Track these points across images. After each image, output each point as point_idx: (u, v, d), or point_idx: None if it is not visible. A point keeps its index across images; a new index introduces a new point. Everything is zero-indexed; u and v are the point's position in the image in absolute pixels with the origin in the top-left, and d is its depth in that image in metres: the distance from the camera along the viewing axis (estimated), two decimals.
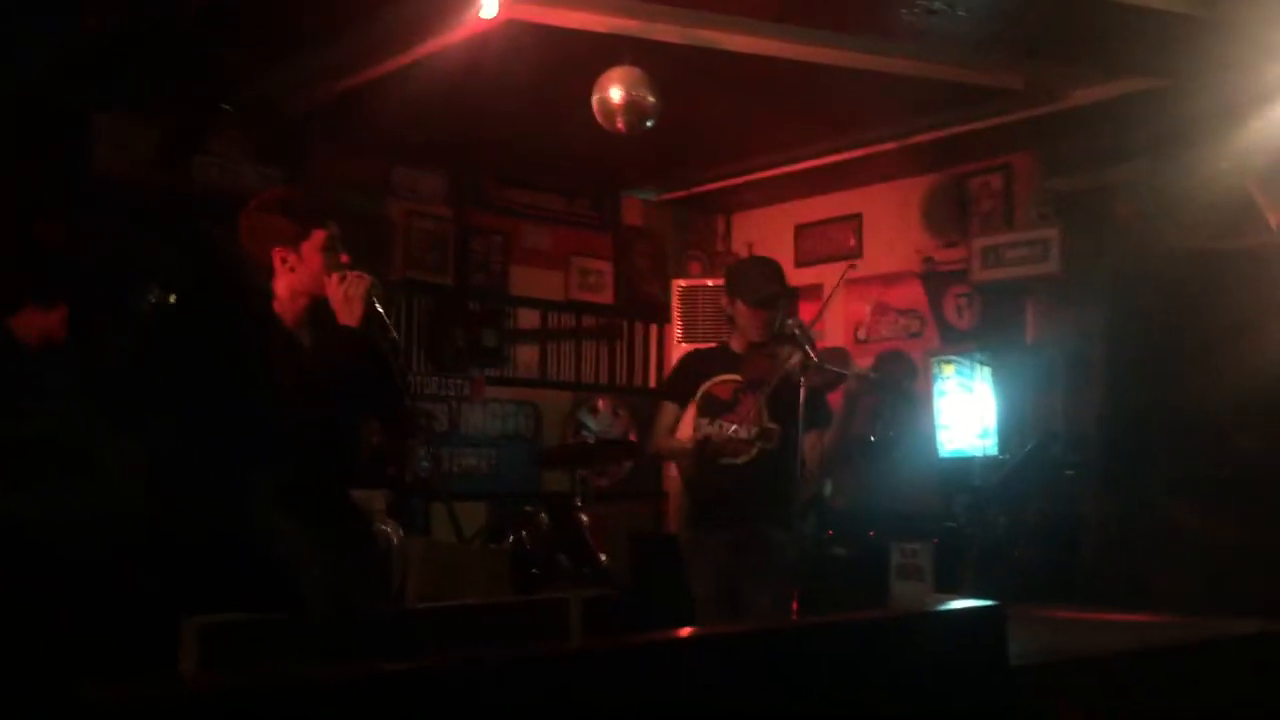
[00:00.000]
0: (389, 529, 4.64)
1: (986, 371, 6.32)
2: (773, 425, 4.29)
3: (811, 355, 4.12)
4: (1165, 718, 2.62)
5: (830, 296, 6.02)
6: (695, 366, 4.61)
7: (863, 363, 5.99)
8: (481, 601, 2.59)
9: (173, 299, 2.34)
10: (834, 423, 4.38)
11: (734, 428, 4.31)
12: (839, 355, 4.66)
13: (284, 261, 3.10)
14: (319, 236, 3.12)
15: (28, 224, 4.81)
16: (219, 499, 2.34)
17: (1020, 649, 2.37)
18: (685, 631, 2.02)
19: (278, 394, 2.80)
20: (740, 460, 4.32)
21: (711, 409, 4.41)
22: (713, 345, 4.72)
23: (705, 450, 4.33)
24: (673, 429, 4.49)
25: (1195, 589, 4.68)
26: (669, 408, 4.54)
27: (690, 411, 4.41)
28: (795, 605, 4.21)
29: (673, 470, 7.16)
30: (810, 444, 4.23)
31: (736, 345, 4.50)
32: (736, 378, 4.40)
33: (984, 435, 6.25)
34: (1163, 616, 3.34)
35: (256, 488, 2.41)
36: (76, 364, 2.56)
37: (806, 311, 6.49)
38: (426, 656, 1.48)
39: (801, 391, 4.07)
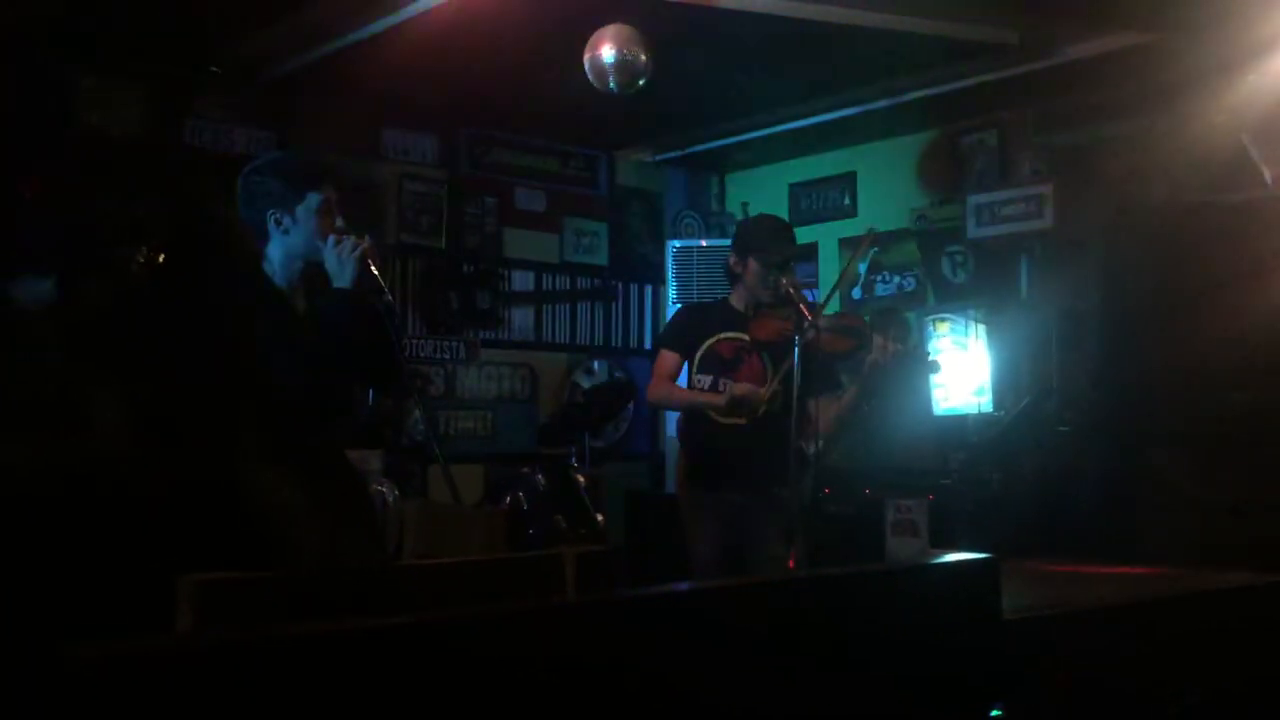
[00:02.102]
0: (384, 489, 4.65)
1: (981, 329, 6.32)
2: (778, 387, 4.23)
3: (823, 320, 4.06)
4: (1158, 670, 2.64)
5: (849, 267, 5.90)
6: (695, 320, 4.54)
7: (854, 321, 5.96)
8: (475, 558, 2.60)
9: (162, 257, 2.34)
10: (849, 392, 4.31)
11: (750, 388, 4.23)
12: (857, 323, 4.55)
13: (278, 224, 3.09)
14: (313, 199, 3.12)
15: (13, 183, 4.78)
16: (210, 456, 2.35)
17: (1014, 602, 2.39)
18: (680, 587, 2.03)
19: (269, 353, 2.80)
20: (743, 420, 4.27)
21: (713, 367, 4.37)
22: (708, 301, 4.64)
23: (736, 409, 4.25)
24: (671, 376, 4.43)
25: (1188, 543, 4.70)
26: (669, 356, 4.46)
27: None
28: (791, 563, 4.21)
29: (670, 430, 7.19)
30: (822, 409, 4.14)
31: (738, 303, 4.45)
32: (741, 336, 4.35)
33: (979, 392, 6.26)
34: (1155, 569, 3.36)
35: (249, 445, 2.41)
36: (68, 323, 2.55)
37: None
38: (419, 612, 1.48)
39: (805, 355, 4.00)
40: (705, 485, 4.42)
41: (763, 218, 4.85)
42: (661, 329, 4.78)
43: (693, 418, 4.48)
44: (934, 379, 6.38)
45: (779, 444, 4.13)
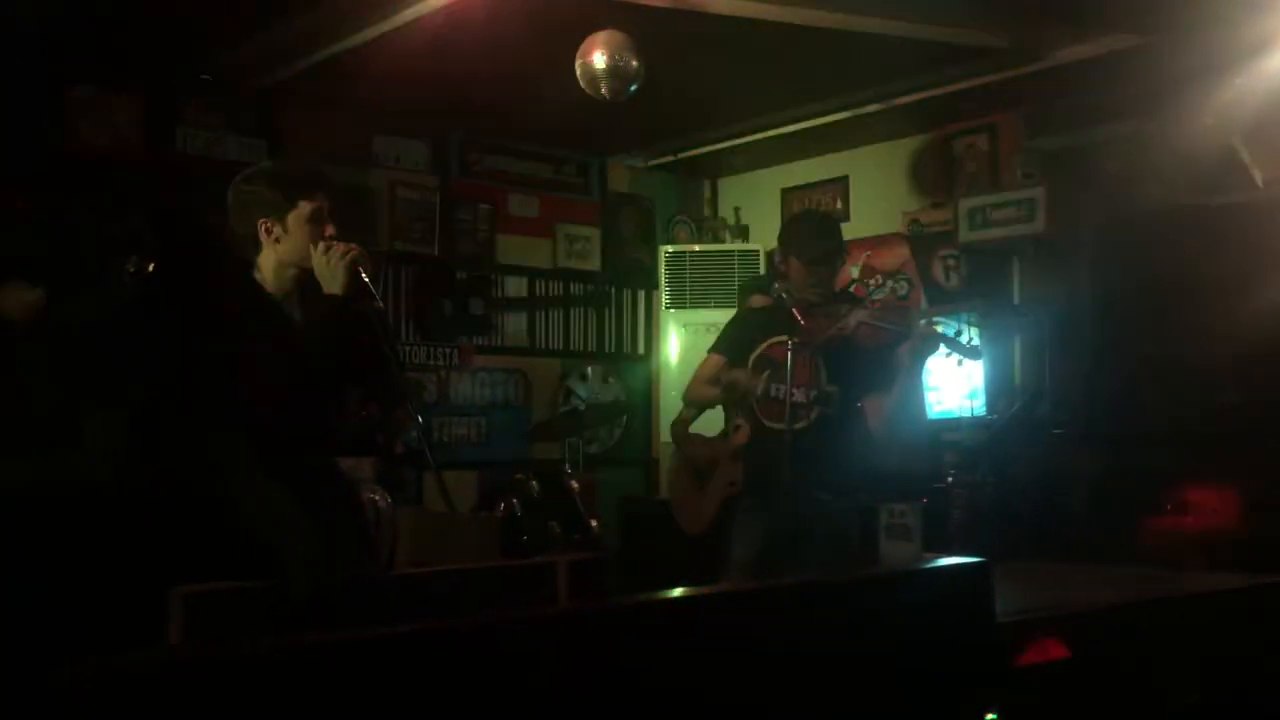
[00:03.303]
0: (377, 497, 4.64)
1: (974, 332, 6.32)
2: (831, 388, 4.08)
3: (866, 314, 3.96)
4: (1153, 672, 2.64)
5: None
6: (752, 324, 4.38)
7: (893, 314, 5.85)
8: (467, 566, 2.59)
9: (151, 268, 2.33)
10: (897, 383, 4.10)
11: (792, 391, 4.00)
12: (900, 312, 4.41)
13: (269, 232, 3.08)
14: (305, 207, 3.11)
15: (4, 199, 4.77)
16: (200, 466, 2.34)
17: (1008, 605, 2.38)
18: (673, 594, 2.03)
19: (260, 362, 2.79)
20: (798, 426, 4.04)
21: (767, 372, 4.19)
22: (768, 303, 4.45)
23: (736, 394, 4.13)
24: (711, 380, 4.31)
25: (1182, 544, 4.71)
26: (714, 359, 4.34)
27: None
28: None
29: (664, 436, 7.17)
30: (873, 407, 4.05)
31: (787, 304, 4.17)
32: (791, 338, 4.09)
33: (972, 396, 6.27)
34: (1149, 571, 3.36)
35: (239, 455, 2.41)
36: (58, 336, 2.55)
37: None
38: (411, 621, 1.48)
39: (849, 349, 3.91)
40: (760, 492, 4.20)
41: (801, 214, 4.70)
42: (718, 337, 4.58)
43: (752, 429, 4.28)
44: (927, 381, 6.38)
45: (838, 448, 4.03)
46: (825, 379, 4.11)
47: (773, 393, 4.14)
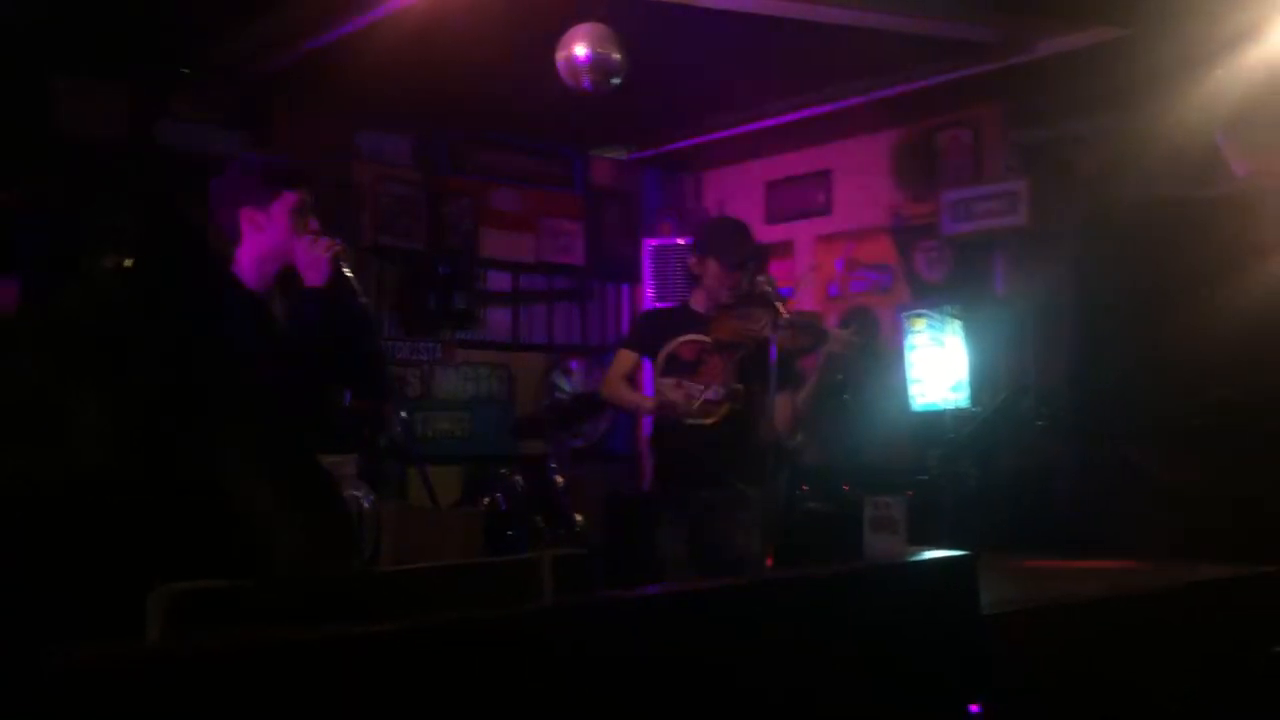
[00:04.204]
0: (360, 494, 4.62)
1: (958, 325, 6.33)
2: (740, 386, 4.29)
3: (784, 318, 4.11)
4: (1137, 664, 2.65)
5: (809, 271, 5.95)
6: (658, 323, 4.61)
7: (828, 323, 6.00)
8: (449, 563, 2.59)
9: (128, 262, 2.31)
10: (808, 386, 4.40)
11: (703, 389, 4.29)
12: (811, 318, 4.67)
13: (252, 222, 3.07)
14: (289, 198, 3.09)
15: None
16: (180, 463, 2.32)
17: (993, 598, 2.39)
18: (656, 589, 2.03)
19: (241, 356, 2.78)
20: (709, 421, 4.31)
21: (675, 369, 4.39)
22: (671, 305, 4.72)
23: (669, 414, 4.36)
24: (627, 376, 4.55)
25: (1166, 536, 4.72)
26: (626, 354, 4.57)
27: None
28: (770, 560, 4.22)
29: (648, 429, 7.19)
30: (781, 405, 4.23)
31: (699, 305, 4.48)
32: (702, 338, 4.38)
33: (956, 388, 6.28)
34: (1134, 563, 3.37)
35: (219, 451, 2.39)
36: (39, 328, 2.53)
37: (778, 273, 6.50)
38: (391, 619, 1.47)
39: (772, 353, 4.07)
40: (676, 485, 4.44)
41: (721, 219, 4.95)
42: (627, 331, 4.92)
43: (660, 419, 4.53)
44: (911, 374, 6.40)
45: (748, 440, 4.16)
46: (735, 378, 4.31)
47: (682, 391, 4.35)
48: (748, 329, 4.19)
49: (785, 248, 7.49)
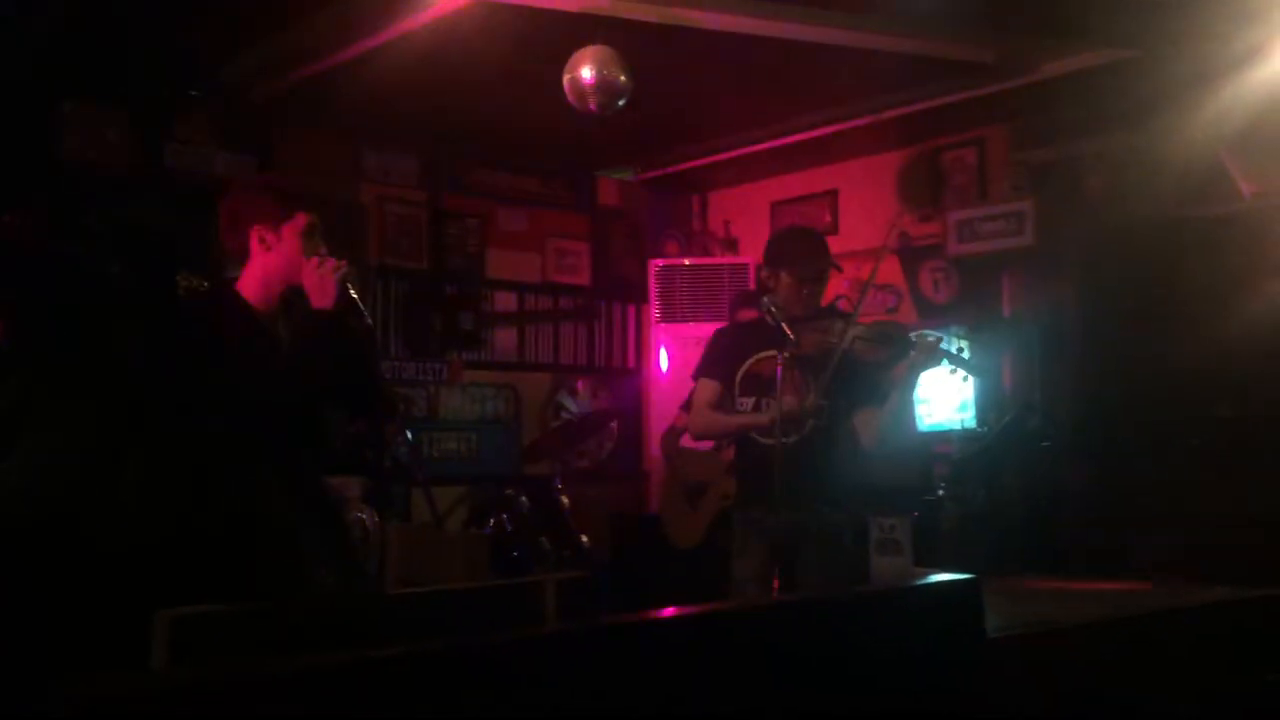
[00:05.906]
0: (364, 515, 4.61)
1: (964, 345, 6.32)
2: (823, 402, 4.01)
3: (861, 328, 3.95)
4: (1143, 684, 2.64)
5: (874, 269, 5.69)
6: (733, 343, 4.34)
7: (890, 328, 5.79)
8: (454, 586, 2.58)
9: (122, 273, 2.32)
10: (892, 397, 4.07)
11: (784, 406, 3.96)
12: (891, 328, 4.37)
13: (262, 240, 3.07)
14: (301, 219, 3.10)
15: None
16: (185, 487, 2.32)
17: (999, 620, 2.38)
18: (664, 612, 2.02)
19: (243, 379, 2.78)
20: (790, 440, 3.99)
21: (754, 388, 4.17)
22: (746, 320, 4.35)
23: (779, 428, 3.97)
24: (716, 406, 4.23)
25: (1172, 557, 4.71)
26: (708, 384, 4.26)
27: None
28: (776, 583, 4.12)
29: (654, 450, 7.16)
30: (864, 421, 4.03)
31: (771, 320, 4.11)
32: (778, 354, 4.02)
33: (962, 409, 6.27)
34: (1140, 585, 3.36)
35: (223, 475, 2.39)
36: (39, 353, 2.53)
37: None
38: (397, 643, 1.47)
39: (852, 366, 3.89)
40: (757, 508, 4.13)
41: (792, 229, 4.67)
42: (700, 358, 4.51)
43: (741, 442, 4.27)
44: (917, 394, 6.38)
45: (830, 461, 4.01)
46: (817, 393, 4.07)
47: (763, 409, 4.11)
48: (825, 341, 3.96)
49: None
